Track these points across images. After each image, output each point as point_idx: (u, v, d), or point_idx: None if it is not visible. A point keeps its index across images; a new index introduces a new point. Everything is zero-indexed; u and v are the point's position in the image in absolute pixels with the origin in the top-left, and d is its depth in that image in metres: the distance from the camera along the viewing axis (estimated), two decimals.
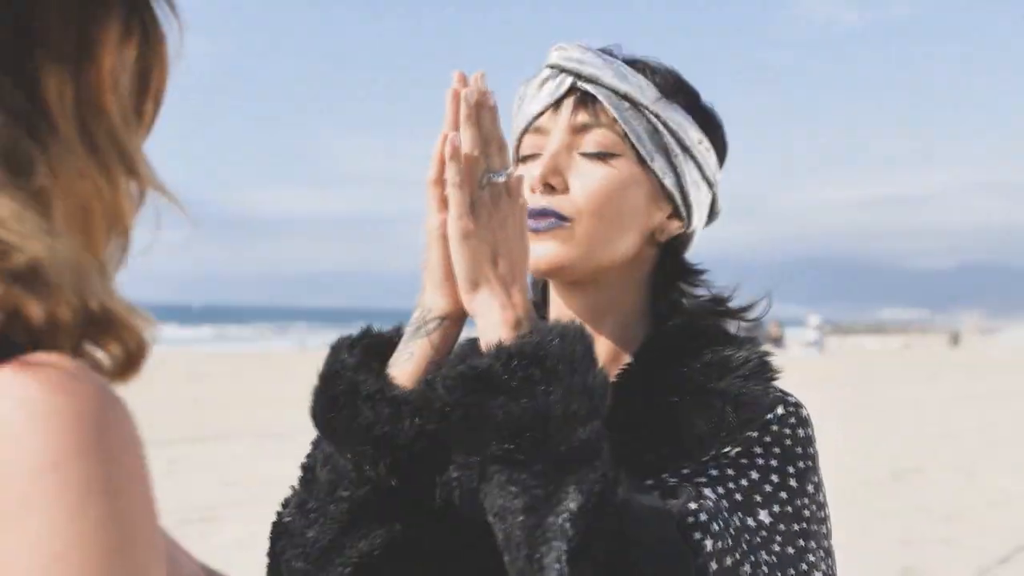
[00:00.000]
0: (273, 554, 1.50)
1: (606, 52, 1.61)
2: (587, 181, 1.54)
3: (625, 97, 1.56)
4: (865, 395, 23.22)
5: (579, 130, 1.56)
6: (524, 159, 1.61)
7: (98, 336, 0.77)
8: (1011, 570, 8.14)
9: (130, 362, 0.79)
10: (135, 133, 0.83)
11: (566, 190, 1.54)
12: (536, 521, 1.28)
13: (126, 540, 0.70)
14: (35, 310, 0.72)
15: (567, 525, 1.27)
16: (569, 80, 1.57)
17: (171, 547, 0.88)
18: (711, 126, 1.63)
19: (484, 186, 1.39)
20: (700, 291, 1.64)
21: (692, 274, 1.65)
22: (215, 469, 11.62)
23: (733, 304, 1.64)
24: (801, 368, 32.71)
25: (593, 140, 1.55)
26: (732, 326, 1.64)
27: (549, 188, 1.54)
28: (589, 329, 1.53)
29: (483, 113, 1.40)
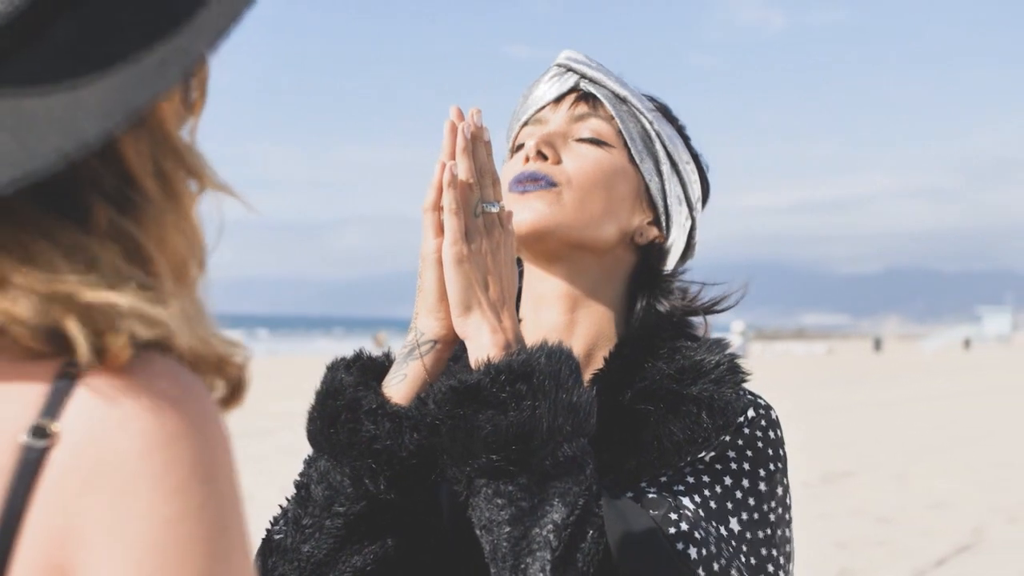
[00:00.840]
0: (264, 570, 1.52)
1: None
2: (580, 158, 1.60)
3: (624, 100, 1.64)
4: (790, 401, 23.44)
5: (577, 119, 1.63)
6: (519, 148, 1.66)
7: (207, 373, 0.84)
8: (948, 572, 8.24)
9: (234, 394, 0.87)
10: (192, 142, 0.89)
11: (558, 161, 1.60)
12: (521, 532, 1.33)
13: (226, 519, 0.78)
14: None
15: (551, 536, 1.32)
16: (574, 78, 1.65)
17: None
18: (698, 162, 1.69)
19: (478, 215, 1.44)
20: (675, 296, 1.66)
21: (666, 282, 1.66)
22: None
23: (702, 302, 1.67)
24: None
25: (589, 127, 1.62)
26: (699, 328, 1.66)
27: (541, 156, 1.60)
28: (563, 325, 1.62)
29: (478, 146, 1.47)
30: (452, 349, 1.51)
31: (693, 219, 1.68)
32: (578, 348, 1.60)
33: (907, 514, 10.43)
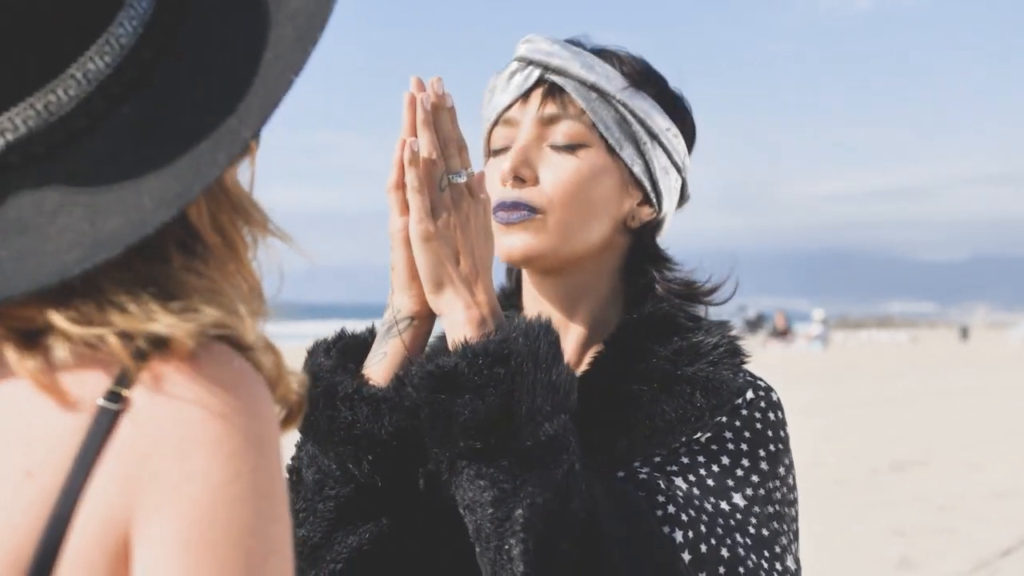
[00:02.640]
0: None
1: (574, 43, 1.63)
2: (557, 173, 1.56)
3: (593, 87, 1.57)
4: (869, 389, 23.17)
5: (548, 122, 1.58)
6: (495, 152, 1.63)
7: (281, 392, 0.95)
8: (1013, 562, 8.11)
9: (290, 417, 0.96)
10: (250, 180, 0.98)
11: (536, 182, 1.56)
12: (504, 514, 1.33)
13: (272, 487, 0.88)
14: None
15: (534, 519, 1.32)
16: (537, 72, 1.59)
17: None
18: (679, 113, 1.65)
19: (444, 188, 1.42)
20: (673, 275, 1.66)
21: (663, 260, 1.66)
22: None
23: (702, 288, 1.66)
24: (805, 362, 32.70)
25: (562, 132, 1.57)
26: (703, 311, 1.66)
27: (519, 180, 1.56)
28: (562, 317, 1.62)
29: (441, 115, 1.44)
30: (430, 324, 1.51)
31: (683, 178, 1.67)
32: (579, 336, 1.62)
33: (973, 503, 10.27)
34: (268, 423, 0.89)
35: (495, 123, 1.64)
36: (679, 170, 1.64)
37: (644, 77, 1.62)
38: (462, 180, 1.44)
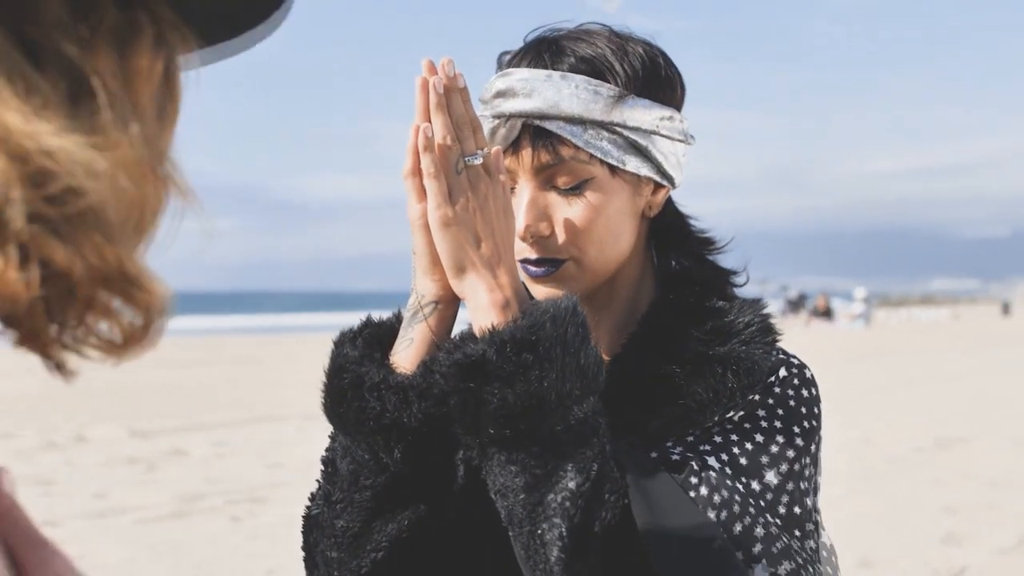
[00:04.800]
0: (307, 547, 1.55)
1: (538, 52, 1.57)
2: (570, 217, 1.53)
3: (580, 121, 1.52)
4: (912, 367, 23.05)
5: (544, 170, 1.54)
6: None
7: (113, 292, 0.73)
8: None
9: (139, 333, 0.75)
10: (162, 133, 0.82)
11: (552, 233, 1.54)
12: (537, 499, 1.32)
13: None
14: (59, 254, 0.69)
15: (567, 504, 1.31)
16: (519, 123, 1.53)
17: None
18: (665, 87, 1.59)
19: (461, 171, 1.40)
20: (695, 237, 1.66)
21: (684, 225, 1.66)
22: (263, 451, 11.75)
23: (725, 263, 1.66)
24: (848, 341, 32.52)
25: (563, 178, 1.53)
26: (734, 288, 1.65)
27: (537, 237, 1.54)
28: (595, 306, 1.60)
29: (453, 97, 1.41)
30: (455, 307, 1.48)
31: (686, 141, 1.62)
32: (612, 320, 1.62)
33: (1018, 479, 10.25)
34: None
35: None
36: (682, 140, 1.61)
37: (627, 78, 1.55)
38: (478, 162, 1.41)
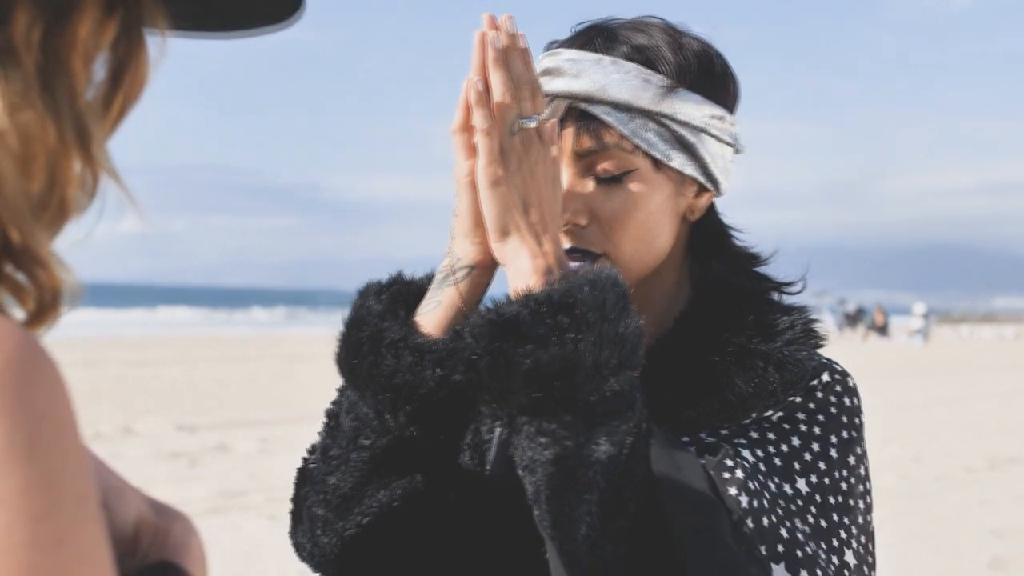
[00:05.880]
0: (297, 499, 1.51)
1: (590, 38, 1.53)
2: (608, 209, 1.49)
3: (627, 108, 1.48)
4: (969, 385, 22.74)
5: (587, 155, 1.49)
6: None
7: (12, 272, 0.73)
8: None
9: (41, 312, 0.74)
10: (98, 116, 0.81)
11: (588, 224, 1.50)
12: (567, 473, 1.26)
13: (54, 503, 0.65)
14: None
15: (598, 477, 1.25)
16: (564, 105, 1.49)
17: (113, 489, 0.86)
18: (718, 85, 1.55)
19: (515, 132, 1.35)
20: (737, 248, 1.61)
21: (726, 235, 1.61)
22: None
23: (774, 275, 1.61)
24: (904, 357, 32.18)
25: (604, 165, 1.49)
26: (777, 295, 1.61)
27: (574, 226, 1.50)
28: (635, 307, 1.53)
29: (513, 55, 1.36)
30: (490, 275, 1.44)
31: (735, 148, 1.57)
32: (650, 319, 1.52)
33: None
34: (41, 410, 0.66)
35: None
36: (731, 144, 1.56)
37: (678, 70, 1.51)
38: (533, 124, 1.36)
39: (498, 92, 1.35)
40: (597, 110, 1.48)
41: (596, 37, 1.52)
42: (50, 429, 0.66)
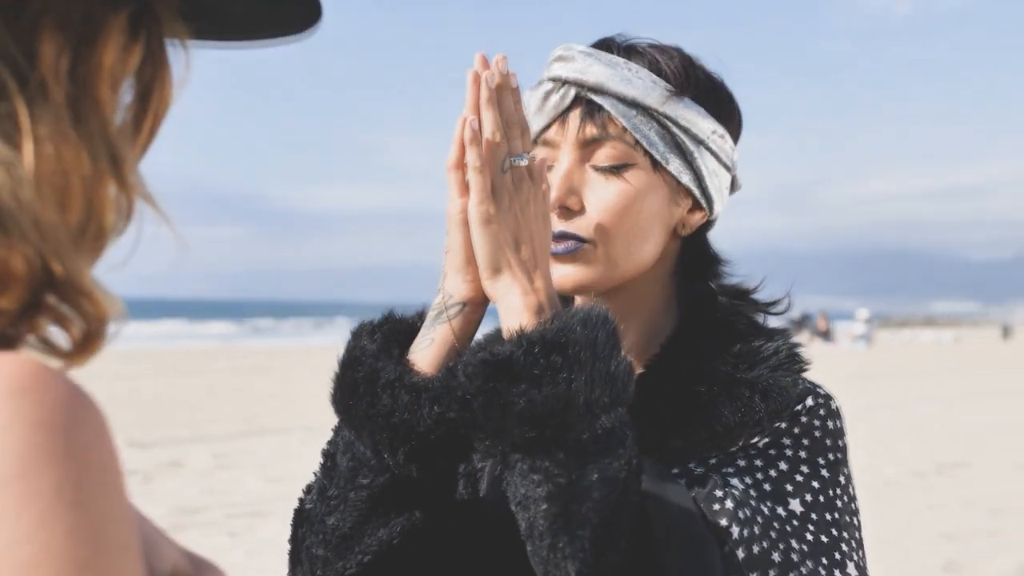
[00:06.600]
0: (295, 540, 1.52)
1: (607, 46, 1.58)
2: (603, 198, 1.52)
3: (633, 103, 1.52)
4: (912, 389, 23.01)
5: (589, 143, 1.54)
6: None
7: (57, 303, 0.73)
8: None
9: (88, 340, 0.75)
10: (128, 141, 0.82)
11: (582, 209, 1.53)
12: (559, 510, 1.27)
13: (98, 549, 0.66)
14: None
15: (591, 514, 1.27)
16: (573, 91, 1.54)
17: (150, 540, 0.87)
18: (724, 109, 1.60)
19: (506, 170, 1.38)
20: (725, 279, 1.64)
21: (716, 262, 1.64)
22: (267, 464, 11.71)
23: (758, 296, 1.64)
24: (848, 362, 32.49)
25: (605, 154, 1.53)
26: (760, 317, 1.63)
27: (565, 210, 1.53)
28: (619, 323, 1.51)
29: (504, 95, 1.39)
30: (482, 311, 1.46)
31: (732, 175, 1.62)
32: (633, 342, 1.57)
33: (1020, 506, 10.22)
34: (87, 458, 0.67)
35: (533, 143, 1.58)
36: (728, 168, 1.60)
37: (685, 79, 1.56)
38: (524, 163, 1.39)
39: (489, 130, 1.37)
40: (603, 101, 1.52)
41: (613, 45, 1.58)
42: (96, 478, 0.67)
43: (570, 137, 1.54)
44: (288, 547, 1.55)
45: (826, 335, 46.29)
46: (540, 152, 1.57)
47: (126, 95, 0.83)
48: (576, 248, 1.52)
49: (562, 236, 1.51)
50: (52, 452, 0.65)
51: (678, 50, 1.59)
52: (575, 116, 1.54)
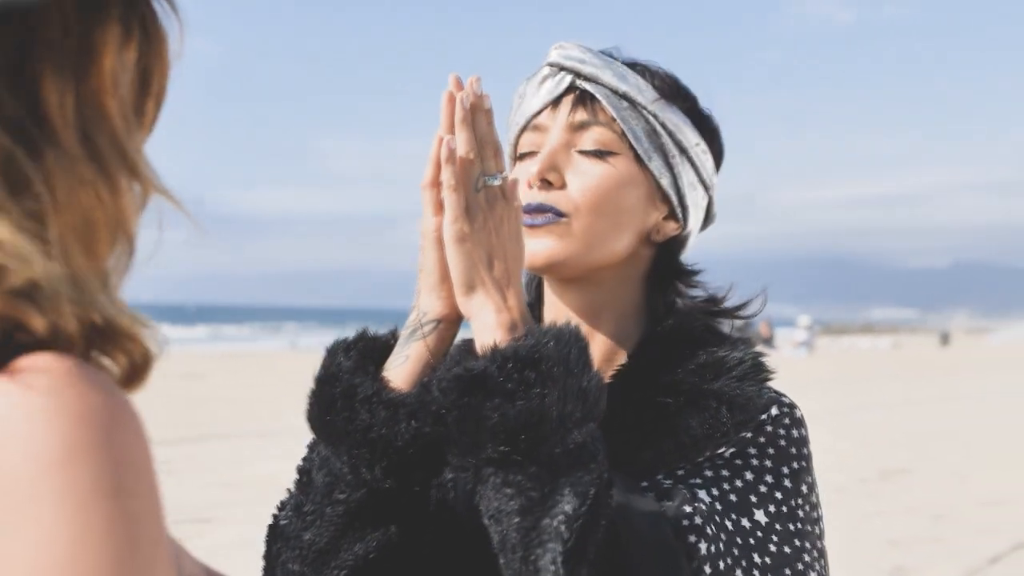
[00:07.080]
0: (269, 556, 1.52)
1: (606, 54, 1.62)
2: (585, 178, 1.55)
3: (624, 96, 1.57)
4: (853, 395, 23.22)
5: (577, 128, 1.58)
6: (522, 156, 1.62)
7: (104, 348, 0.78)
8: (1002, 570, 8.19)
9: (135, 372, 0.81)
10: (136, 134, 0.84)
11: (563, 186, 1.55)
12: (531, 523, 1.29)
13: (133, 541, 0.69)
14: (37, 322, 0.73)
15: (562, 527, 1.27)
16: (568, 78, 1.59)
17: (173, 547, 0.89)
18: (708, 130, 1.64)
19: (479, 189, 1.40)
20: (695, 292, 1.66)
21: (687, 275, 1.66)
22: (211, 469, 11.62)
23: (727, 304, 1.66)
24: (790, 369, 32.76)
25: (591, 138, 1.57)
26: (726, 326, 1.65)
27: (546, 184, 1.55)
28: (585, 328, 1.57)
29: (478, 116, 1.42)
30: (456, 328, 1.48)
31: (710, 196, 1.66)
32: (600, 349, 1.60)
33: (963, 512, 10.36)
34: (124, 453, 0.71)
35: (524, 128, 1.63)
36: (706, 188, 1.64)
37: (676, 91, 1.61)
38: (497, 183, 1.41)
39: (463, 150, 1.39)
40: (596, 90, 1.57)
41: (608, 51, 1.63)
42: (132, 474, 0.71)
43: (560, 121, 1.59)
44: (262, 563, 1.54)
45: (769, 342, 46.66)
46: (528, 138, 1.62)
47: (127, 82, 0.84)
48: (552, 221, 1.54)
49: (539, 208, 1.54)
50: (92, 446, 0.69)
51: (672, 74, 1.64)
52: (567, 102, 1.59)
